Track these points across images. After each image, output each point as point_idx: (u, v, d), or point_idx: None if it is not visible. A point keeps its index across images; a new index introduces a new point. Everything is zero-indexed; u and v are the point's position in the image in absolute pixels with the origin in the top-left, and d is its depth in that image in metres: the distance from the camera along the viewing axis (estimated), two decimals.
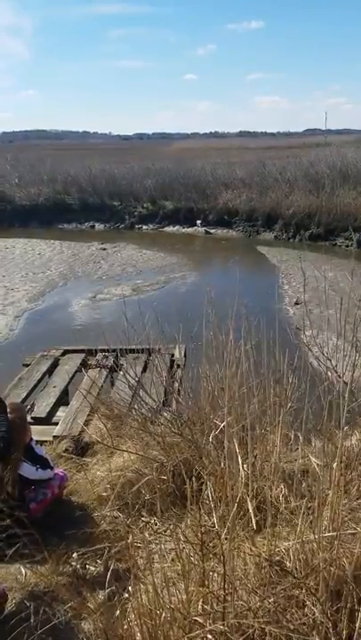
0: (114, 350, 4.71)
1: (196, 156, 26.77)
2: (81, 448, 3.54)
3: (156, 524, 2.59)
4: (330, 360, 2.68)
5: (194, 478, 2.41)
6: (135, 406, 3.44)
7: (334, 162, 18.32)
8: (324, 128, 49.22)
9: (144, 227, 18.54)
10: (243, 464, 2.21)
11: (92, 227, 19.03)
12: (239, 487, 2.19)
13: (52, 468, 2.80)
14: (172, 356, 4.89)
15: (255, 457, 2.52)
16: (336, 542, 1.75)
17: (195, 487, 2.25)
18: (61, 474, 2.92)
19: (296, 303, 9.29)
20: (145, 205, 19.13)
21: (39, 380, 4.78)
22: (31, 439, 2.74)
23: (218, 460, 2.54)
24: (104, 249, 15.16)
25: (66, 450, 3.49)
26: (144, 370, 4.72)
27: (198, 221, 17.59)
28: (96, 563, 2.44)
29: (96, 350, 5.15)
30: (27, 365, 5.13)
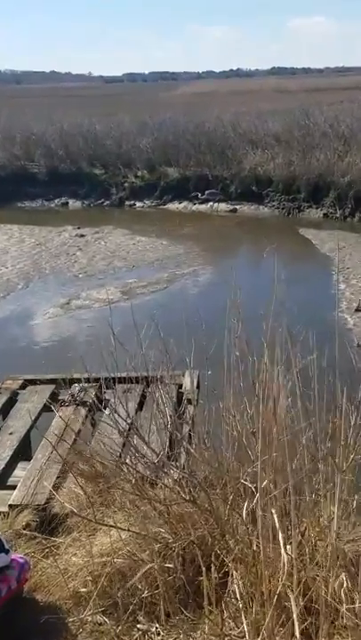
0: (96, 380, 4.68)
1: (210, 103, 27.03)
2: (49, 523, 3.50)
3: (158, 634, 2.55)
4: None
5: (214, 566, 2.39)
6: (128, 461, 3.40)
7: None
8: None
9: (138, 204, 18.67)
10: (285, 545, 2.17)
11: (65, 204, 19.20)
12: (280, 579, 2.16)
13: (7, 552, 2.77)
14: (180, 386, 4.88)
15: (303, 535, 2.49)
16: None
17: (215, 579, 2.22)
18: (21, 560, 2.89)
19: (357, 309, 9.32)
20: (139, 174, 19.30)
21: None
22: None
23: (248, 540, 2.51)
24: (82, 235, 15.26)
25: (27, 525, 3.47)
26: (140, 407, 4.71)
27: (207, 191, 17.63)
28: None
29: (70, 380, 5.12)
30: None
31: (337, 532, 2.42)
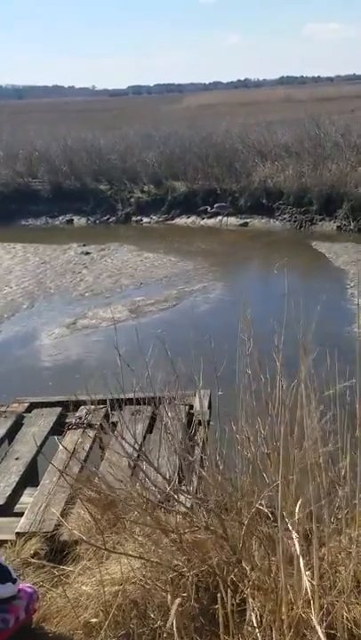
0: (103, 402, 4.70)
1: (218, 114, 27.26)
2: (58, 551, 3.50)
3: None
4: None
5: (230, 594, 2.38)
6: (137, 486, 3.40)
7: None
8: None
9: (145, 219, 18.79)
10: (305, 571, 2.16)
11: (70, 221, 19.34)
12: (300, 606, 2.13)
13: (14, 582, 2.77)
14: (191, 407, 4.86)
15: (323, 559, 2.46)
16: None
17: (231, 607, 2.21)
18: (29, 590, 2.89)
19: None
20: (145, 189, 19.42)
21: None
22: None
23: (266, 566, 2.49)
24: (87, 253, 15.35)
25: (35, 554, 3.46)
26: (149, 430, 4.71)
27: (216, 205, 17.65)
28: None
29: (78, 402, 5.14)
30: None
31: (358, 557, 2.40)
